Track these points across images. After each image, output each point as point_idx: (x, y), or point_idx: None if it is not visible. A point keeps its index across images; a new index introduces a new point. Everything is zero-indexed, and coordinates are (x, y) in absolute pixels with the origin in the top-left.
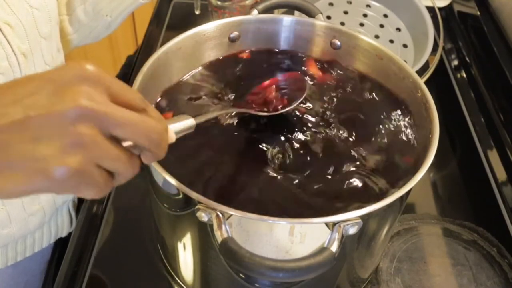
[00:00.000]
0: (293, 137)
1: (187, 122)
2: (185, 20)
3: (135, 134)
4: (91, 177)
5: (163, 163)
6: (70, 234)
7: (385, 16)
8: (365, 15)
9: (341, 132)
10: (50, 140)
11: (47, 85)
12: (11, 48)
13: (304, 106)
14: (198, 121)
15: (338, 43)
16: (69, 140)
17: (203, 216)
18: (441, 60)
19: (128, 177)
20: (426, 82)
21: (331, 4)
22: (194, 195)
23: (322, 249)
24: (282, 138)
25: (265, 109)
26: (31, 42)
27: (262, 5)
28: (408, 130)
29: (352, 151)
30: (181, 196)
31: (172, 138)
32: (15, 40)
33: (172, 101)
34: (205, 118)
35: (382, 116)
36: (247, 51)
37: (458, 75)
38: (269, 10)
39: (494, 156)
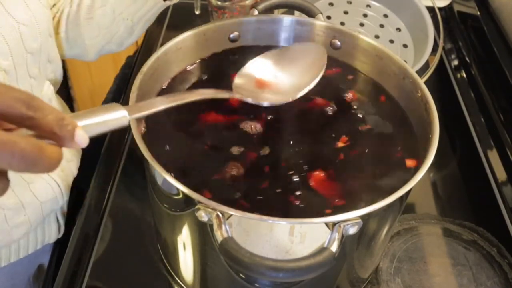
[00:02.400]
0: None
1: (109, 117)
2: (185, 20)
3: None
4: None
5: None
6: (69, 235)
7: (385, 16)
8: (365, 15)
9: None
10: None
11: None
12: None
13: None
14: (136, 115)
15: (338, 43)
16: None
17: (203, 216)
18: (441, 60)
19: None
20: (426, 82)
21: (331, 4)
22: (194, 195)
23: (322, 249)
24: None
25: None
26: (15, 58)
27: (262, 5)
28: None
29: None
30: (181, 196)
31: (81, 141)
32: None
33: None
34: (148, 112)
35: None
36: None
37: (458, 75)
38: (269, 10)
39: (494, 156)
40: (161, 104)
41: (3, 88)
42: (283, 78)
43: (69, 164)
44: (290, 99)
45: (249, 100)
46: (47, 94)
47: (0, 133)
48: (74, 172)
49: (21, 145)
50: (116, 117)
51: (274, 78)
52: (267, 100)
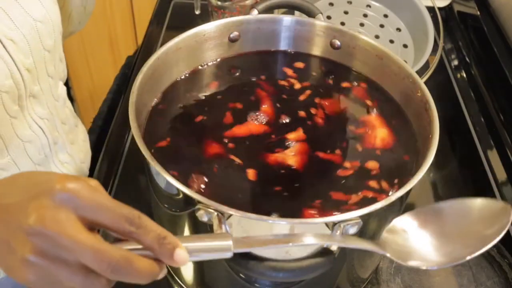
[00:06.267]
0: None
1: (213, 243)
2: (185, 20)
3: (84, 259)
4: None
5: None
6: None
7: (385, 16)
8: (365, 15)
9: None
10: (10, 244)
11: (23, 188)
12: (15, 64)
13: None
14: (240, 250)
15: (338, 43)
16: (25, 253)
17: (203, 216)
18: (441, 60)
19: None
20: (426, 82)
21: (331, 4)
22: (194, 195)
23: (322, 249)
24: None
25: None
26: (35, 56)
27: (262, 5)
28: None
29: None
30: (181, 196)
31: (180, 260)
32: (19, 56)
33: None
34: (249, 248)
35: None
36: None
37: (458, 75)
38: (269, 10)
39: (494, 156)
40: (269, 243)
41: (113, 204)
42: (437, 242)
43: (82, 165)
44: (436, 267)
45: (394, 259)
46: (62, 95)
47: (99, 242)
48: (86, 172)
49: (109, 253)
50: (220, 244)
51: (428, 242)
52: (414, 264)
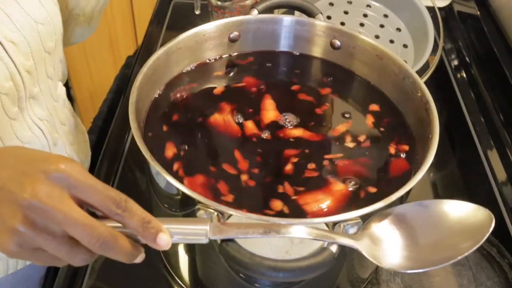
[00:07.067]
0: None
1: (192, 229)
2: (185, 20)
3: (75, 233)
4: (32, 257)
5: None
6: None
7: (385, 16)
8: (365, 15)
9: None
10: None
11: (16, 163)
12: (15, 66)
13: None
14: (216, 236)
15: (338, 43)
16: (15, 223)
17: (203, 216)
18: (441, 60)
19: (72, 264)
20: (426, 82)
21: (331, 4)
22: (194, 195)
23: (322, 249)
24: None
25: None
26: (35, 58)
27: (262, 5)
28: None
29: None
30: (181, 196)
31: (162, 244)
32: (19, 58)
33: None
34: (230, 236)
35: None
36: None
37: (458, 75)
38: (269, 10)
39: (494, 156)
40: (246, 233)
41: (102, 187)
42: (412, 246)
43: (83, 165)
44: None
45: (369, 257)
46: (61, 95)
47: (89, 218)
48: None
49: (99, 230)
50: (197, 228)
51: (402, 243)
52: (390, 265)
